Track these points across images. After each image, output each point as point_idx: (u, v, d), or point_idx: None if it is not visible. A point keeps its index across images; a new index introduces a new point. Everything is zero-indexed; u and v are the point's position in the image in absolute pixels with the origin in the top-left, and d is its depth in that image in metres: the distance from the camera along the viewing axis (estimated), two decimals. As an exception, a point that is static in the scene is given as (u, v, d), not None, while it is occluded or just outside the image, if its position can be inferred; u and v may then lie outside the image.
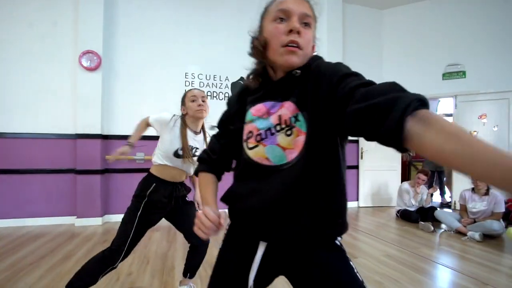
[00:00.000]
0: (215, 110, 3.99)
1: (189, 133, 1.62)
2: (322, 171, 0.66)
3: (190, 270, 1.72)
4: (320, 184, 0.66)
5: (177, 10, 3.93)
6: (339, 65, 0.63)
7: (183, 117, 1.64)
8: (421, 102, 0.45)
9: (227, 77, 4.12)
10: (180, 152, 1.56)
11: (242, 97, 0.77)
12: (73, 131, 3.53)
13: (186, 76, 3.93)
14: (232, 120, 0.78)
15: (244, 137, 0.73)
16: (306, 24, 0.67)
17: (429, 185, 5.23)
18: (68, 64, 3.54)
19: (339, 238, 0.73)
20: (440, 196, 5.17)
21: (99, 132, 3.50)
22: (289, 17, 0.65)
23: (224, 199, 0.78)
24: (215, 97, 4.07)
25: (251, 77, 0.76)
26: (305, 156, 0.64)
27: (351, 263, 0.70)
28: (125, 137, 3.60)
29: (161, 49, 3.85)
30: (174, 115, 1.62)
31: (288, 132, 0.66)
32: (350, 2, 4.78)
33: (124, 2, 3.74)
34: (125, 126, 3.65)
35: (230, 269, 0.75)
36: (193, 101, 1.60)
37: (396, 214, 3.85)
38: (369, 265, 2.28)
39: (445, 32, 4.63)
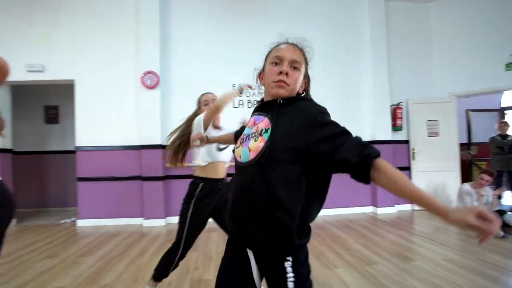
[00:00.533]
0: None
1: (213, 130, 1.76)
2: (276, 182, 0.77)
3: None
4: (274, 194, 0.76)
5: (220, 29, 4.24)
6: (325, 117, 0.81)
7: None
8: (378, 155, 0.72)
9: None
10: (221, 146, 1.73)
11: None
12: (138, 142, 4.01)
13: (234, 87, 4.20)
14: None
15: (237, 145, 0.94)
16: (295, 68, 0.86)
17: (497, 186, 4.78)
18: (132, 84, 4.05)
19: (288, 259, 0.79)
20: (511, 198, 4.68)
21: (159, 143, 3.93)
22: (282, 62, 0.86)
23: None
24: (250, 105, 4.27)
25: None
26: (259, 159, 0.79)
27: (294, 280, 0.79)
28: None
29: (209, 65, 4.18)
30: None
31: (256, 138, 0.84)
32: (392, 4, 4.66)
33: (176, 28, 4.16)
34: (181, 136, 4.03)
35: (236, 278, 0.86)
36: (205, 105, 1.83)
37: (457, 217, 3.61)
38: (427, 269, 2.23)
39: (504, 19, 4.24)
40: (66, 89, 4.47)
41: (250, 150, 0.84)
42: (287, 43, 0.91)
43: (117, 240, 3.23)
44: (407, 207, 4.49)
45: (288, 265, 0.79)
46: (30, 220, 4.27)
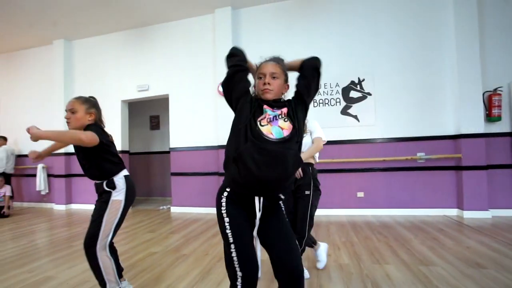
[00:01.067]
0: (327, 116, 4.29)
1: None
2: (298, 149, 1.17)
3: None
4: (298, 154, 1.17)
5: (285, 34, 4.51)
6: None
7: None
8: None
9: (337, 83, 4.31)
10: None
11: (252, 101, 1.22)
12: (216, 143, 4.66)
13: (297, 88, 4.41)
14: (242, 97, 1.21)
15: (261, 117, 1.15)
16: (274, 77, 1.20)
17: None
18: (210, 92, 4.75)
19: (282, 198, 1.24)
20: None
21: (233, 143, 4.48)
22: (264, 76, 1.21)
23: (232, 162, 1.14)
24: (327, 103, 4.34)
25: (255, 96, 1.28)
26: (293, 134, 1.13)
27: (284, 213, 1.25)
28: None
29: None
30: None
31: (285, 119, 1.15)
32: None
33: (246, 44, 4.67)
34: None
35: (242, 218, 1.15)
36: None
37: None
38: (498, 278, 1.96)
39: None
40: (164, 102, 5.57)
41: (282, 129, 1.13)
42: (268, 61, 1.25)
43: (198, 223, 3.91)
44: (508, 212, 3.77)
45: (280, 202, 1.25)
46: (139, 205, 5.56)
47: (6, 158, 5.61)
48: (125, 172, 1.78)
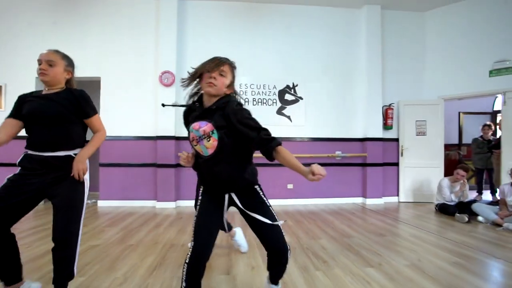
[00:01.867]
0: (264, 114, 4.67)
1: None
2: (233, 156, 1.26)
3: None
4: (232, 162, 1.26)
5: (231, 32, 4.72)
6: (244, 111, 1.24)
7: None
8: (279, 143, 1.17)
9: (274, 85, 4.76)
10: None
11: (187, 114, 1.39)
12: (154, 133, 4.51)
13: (241, 87, 4.68)
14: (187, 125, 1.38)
15: (190, 139, 1.30)
16: (222, 74, 1.26)
17: (479, 182, 5.19)
18: (151, 82, 4.55)
19: (256, 186, 1.37)
20: (490, 194, 5.07)
21: (173, 134, 4.43)
22: (211, 72, 1.24)
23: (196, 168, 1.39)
24: (265, 103, 4.74)
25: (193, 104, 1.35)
26: (217, 151, 1.23)
27: (261, 195, 1.37)
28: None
29: (219, 65, 4.66)
30: None
31: (208, 139, 1.22)
32: (389, 8, 5.04)
33: (192, 32, 4.65)
34: (192, 129, 4.53)
35: (211, 207, 1.33)
36: None
37: (435, 207, 4.04)
38: (394, 241, 2.68)
39: (491, 28, 4.62)
40: (83, 83, 4.99)
41: (207, 147, 1.23)
42: (217, 59, 1.31)
43: (134, 216, 3.75)
44: (394, 199, 4.93)
45: (257, 188, 1.38)
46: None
47: None
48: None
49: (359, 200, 4.89)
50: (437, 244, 2.64)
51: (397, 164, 5.00)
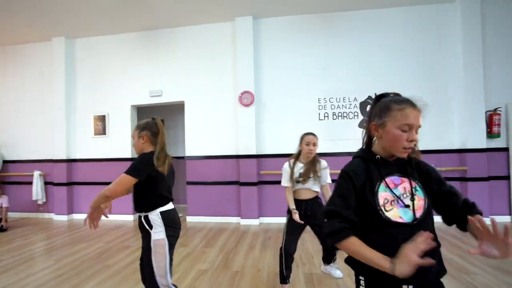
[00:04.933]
0: (345, 128, 4.43)
1: (299, 165, 2.28)
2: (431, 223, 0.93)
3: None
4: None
5: (305, 46, 4.63)
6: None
7: (299, 152, 2.33)
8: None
9: (355, 97, 4.52)
10: (300, 179, 2.24)
11: (368, 169, 0.97)
12: (236, 152, 4.68)
13: (319, 101, 4.57)
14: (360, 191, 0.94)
15: (381, 203, 0.91)
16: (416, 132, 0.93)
17: None
18: (231, 103, 4.74)
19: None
20: None
21: (254, 153, 4.53)
22: (411, 130, 0.91)
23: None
24: (345, 116, 4.54)
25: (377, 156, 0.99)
26: (426, 213, 0.91)
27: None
28: (273, 156, 4.45)
29: (297, 82, 4.63)
30: (288, 162, 2.33)
31: (412, 199, 0.91)
32: (489, 3, 4.36)
33: (266, 55, 4.71)
34: (273, 147, 4.58)
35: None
36: (307, 145, 2.24)
37: None
38: None
39: None
40: (170, 107, 5.43)
41: (415, 210, 0.90)
42: (415, 107, 0.93)
43: (225, 235, 3.92)
44: (504, 218, 4.24)
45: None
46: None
47: (-2, 164, 5.18)
48: (163, 208, 1.66)
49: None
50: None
51: (508, 178, 4.29)
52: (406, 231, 0.86)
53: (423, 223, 0.89)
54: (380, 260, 0.82)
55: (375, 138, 1.02)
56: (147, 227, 1.61)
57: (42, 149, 5.44)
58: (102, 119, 5.19)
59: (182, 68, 4.95)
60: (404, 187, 0.94)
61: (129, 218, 5.03)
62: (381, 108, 0.97)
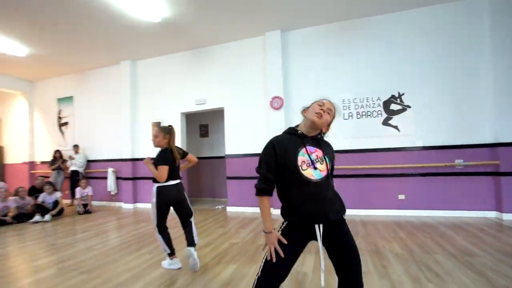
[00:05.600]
0: (369, 126, 4.73)
1: None
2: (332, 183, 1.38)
3: None
4: (333, 187, 1.35)
5: (329, 52, 5.06)
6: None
7: None
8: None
9: (378, 97, 4.80)
10: None
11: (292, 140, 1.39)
12: (267, 150, 5.27)
13: (343, 102, 4.94)
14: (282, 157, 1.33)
15: (299, 163, 1.30)
16: (328, 113, 1.39)
17: None
18: (263, 107, 5.38)
19: (344, 218, 1.35)
20: None
21: (283, 150, 5.07)
22: (323, 105, 1.39)
23: (284, 209, 1.37)
24: (369, 115, 4.83)
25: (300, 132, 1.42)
26: (328, 176, 1.33)
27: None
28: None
29: (322, 86, 5.08)
30: None
31: (321, 163, 1.33)
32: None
33: (294, 62, 5.26)
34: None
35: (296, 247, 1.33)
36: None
37: None
38: (536, 266, 2.40)
39: None
40: (212, 112, 6.27)
41: (320, 171, 1.31)
42: (328, 101, 1.44)
43: (257, 221, 4.54)
44: (545, 215, 4.07)
45: (344, 221, 1.36)
46: (195, 205, 6.29)
47: (84, 162, 6.62)
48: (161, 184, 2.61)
49: (491, 214, 4.27)
50: None
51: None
52: (315, 187, 1.29)
53: (326, 180, 1.32)
54: (266, 224, 1.32)
55: (302, 119, 1.48)
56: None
57: (114, 150, 6.75)
58: (158, 125, 6.27)
59: (221, 79, 5.77)
60: (317, 155, 1.35)
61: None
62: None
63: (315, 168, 1.31)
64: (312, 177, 1.29)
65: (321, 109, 1.38)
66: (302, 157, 1.32)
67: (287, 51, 5.31)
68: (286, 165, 1.31)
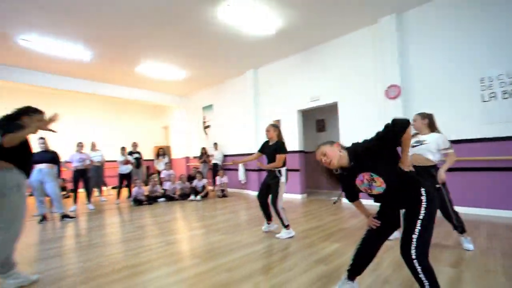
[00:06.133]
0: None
1: None
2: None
3: None
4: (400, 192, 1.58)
5: (459, 29, 4.31)
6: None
7: None
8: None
9: (535, 70, 3.75)
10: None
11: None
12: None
13: (482, 81, 4.11)
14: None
15: (363, 191, 1.64)
16: (326, 157, 1.68)
17: None
18: (377, 97, 5.16)
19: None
20: None
21: (402, 142, 4.71)
22: (320, 160, 1.74)
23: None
24: (520, 94, 3.85)
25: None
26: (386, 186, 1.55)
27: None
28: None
29: (451, 67, 4.40)
30: None
31: (374, 181, 1.56)
32: None
33: (413, 46, 4.79)
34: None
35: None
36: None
37: None
38: None
39: None
40: (326, 108, 6.42)
41: (379, 186, 1.55)
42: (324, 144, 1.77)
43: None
44: None
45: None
46: (311, 196, 6.63)
47: (221, 156, 8.22)
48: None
49: None
50: None
51: None
52: (384, 195, 1.60)
53: (391, 188, 1.55)
54: (365, 212, 1.88)
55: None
56: (278, 174, 3.30)
57: (243, 145, 8.01)
58: (278, 122, 7.02)
59: (333, 75, 5.90)
60: (367, 179, 1.58)
61: (297, 196, 6.47)
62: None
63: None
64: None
65: (324, 161, 1.67)
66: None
67: (404, 35, 4.88)
68: None
